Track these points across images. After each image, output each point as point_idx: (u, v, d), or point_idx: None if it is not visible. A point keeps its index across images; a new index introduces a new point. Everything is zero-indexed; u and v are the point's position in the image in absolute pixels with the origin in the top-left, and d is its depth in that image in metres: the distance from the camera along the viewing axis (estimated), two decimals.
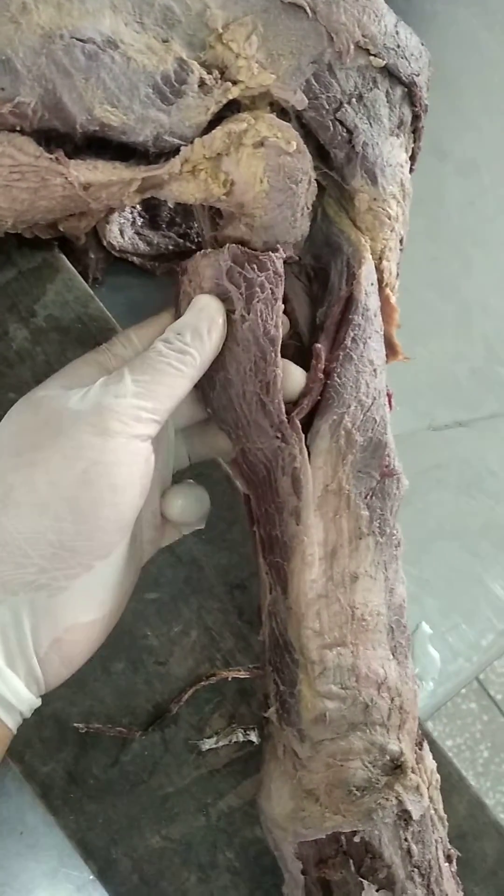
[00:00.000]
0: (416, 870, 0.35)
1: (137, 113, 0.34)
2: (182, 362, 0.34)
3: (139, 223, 0.52)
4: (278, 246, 0.37)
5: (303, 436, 0.36)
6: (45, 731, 0.42)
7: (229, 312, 0.36)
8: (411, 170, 0.43)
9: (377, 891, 0.34)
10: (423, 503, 0.52)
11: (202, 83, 0.36)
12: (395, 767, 0.35)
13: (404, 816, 0.35)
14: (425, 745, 0.39)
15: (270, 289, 0.36)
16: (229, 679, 0.43)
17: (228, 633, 0.44)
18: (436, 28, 0.63)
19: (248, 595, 0.45)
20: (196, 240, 0.53)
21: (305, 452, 0.35)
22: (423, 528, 0.52)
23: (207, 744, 0.43)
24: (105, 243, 0.50)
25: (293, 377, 0.36)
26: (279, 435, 0.36)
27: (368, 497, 0.36)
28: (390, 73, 0.39)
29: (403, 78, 0.39)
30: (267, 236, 0.37)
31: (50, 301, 0.46)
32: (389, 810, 0.34)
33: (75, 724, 0.42)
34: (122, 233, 0.51)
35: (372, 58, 0.38)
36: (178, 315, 0.37)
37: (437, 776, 0.39)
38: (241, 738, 0.43)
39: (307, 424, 0.36)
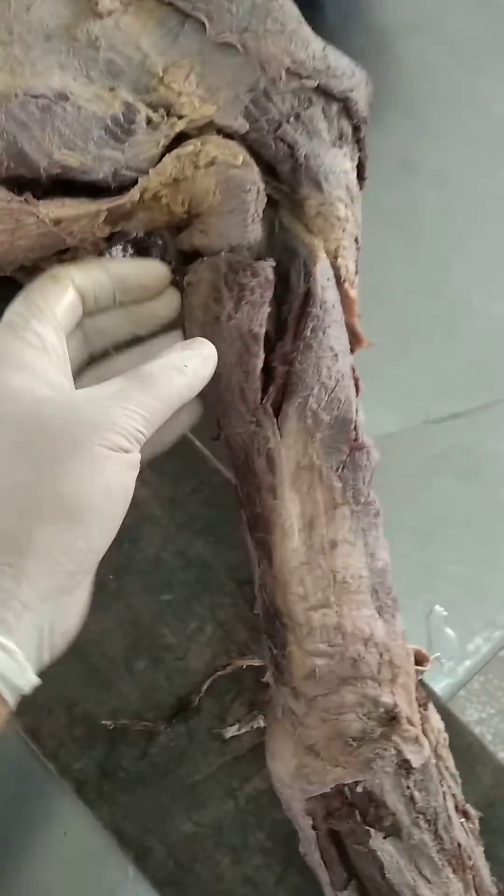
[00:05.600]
0: (420, 816, 0.36)
1: (94, 153, 0.39)
2: (183, 398, 0.36)
3: None
4: (270, 259, 0.41)
5: (274, 419, 0.39)
6: (76, 730, 0.44)
7: (219, 314, 0.40)
8: (362, 177, 0.47)
9: (385, 838, 0.35)
10: (427, 494, 0.54)
11: (149, 121, 0.40)
12: (391, 719, 0.37)
13: (404, 766, 0.36)
14: (431, 706, 0.41)
15: (260, 293, 0.40)
16: (244, 667, 0.45)
17: (241, 626, 0.47)
18: (397, 57, 0.67)
19: None
20: None
21: (278, 433, 0.38)
22: (429, 517, 0.54)
23: (230, 731, 0.45)
24: None
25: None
26: (254, 419, 0.39)
27: (340, 470, 0.39)
28: (324, 92, 0.43)
29: (337, 95, 0.43)
30: (221, 240, 0.41)
31: None
32: (389, 760, 0.36)
33: (104, 722, 0.45)
34: None
35: (304, 80, 0.42)
36: (185, 322, 0.41)
37: (445, 735, 0.41)
38: (262, 724, 0.45)
39: (278, 410, 0.39)
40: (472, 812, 0.41)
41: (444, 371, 0.58)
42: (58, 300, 0.37)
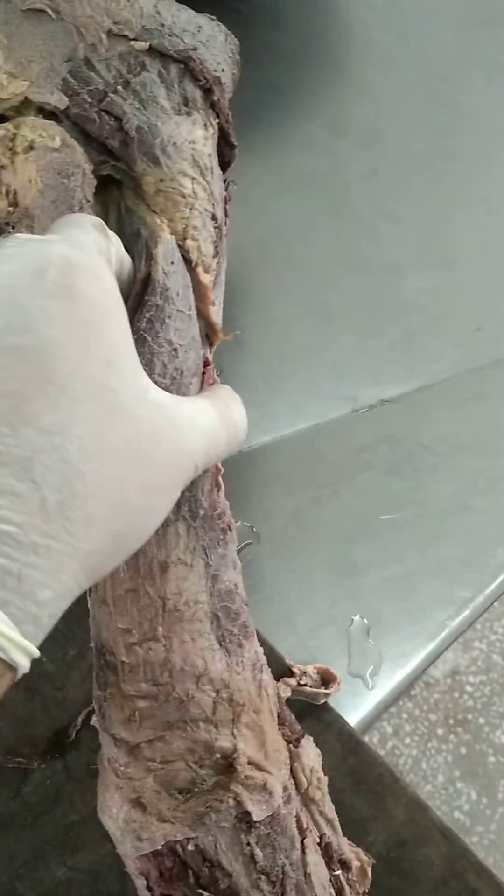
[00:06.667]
0: (263, 877, 0.31)
1: None
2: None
3: None
4: None
5: None
6: None
7: None
8: (230, 144, 0.42)
9: None
10: (351, 490, 0.49)
11: None
12: (229, 766, 0.32)
13: (245, 819, 0.32)
14: (305, 742, 0.36)
15: None
16: None
17: None
18: (320, 10, 0.61)
19: None
20: None
21: None
22: (353, 517, 0.48)
23: None
24: None
25: None
26: None
27: None
28: (160, 54, 0.38)
29: (174, 55, 0.38)
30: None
31: None
32: (226, 813, 0.31)
33: None
34: None
35: (132, 42, 0.38)
36: None
37: (321, 775, 0.36)
38: None
39: None
40: (363, 859, 0.36)
41: (372, 352, 0.52)
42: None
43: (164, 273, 0.37)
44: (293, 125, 0.57)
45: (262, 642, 0.38)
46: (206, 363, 0.38)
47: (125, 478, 0.27)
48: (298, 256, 0.54)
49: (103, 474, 0.26)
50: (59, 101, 0.37)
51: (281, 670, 0.42)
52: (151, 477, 0.28)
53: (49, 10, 0.37)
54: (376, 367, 0.52)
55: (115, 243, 0.34)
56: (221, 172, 0.42)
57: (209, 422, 0.32)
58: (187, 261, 0.38)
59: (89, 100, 0.37)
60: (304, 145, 0.57)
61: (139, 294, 0.36)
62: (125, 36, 0.38)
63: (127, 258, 0.36)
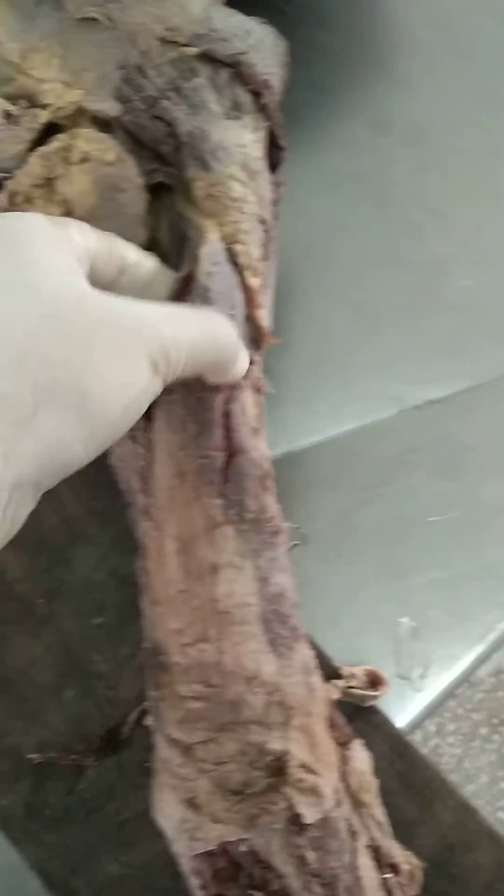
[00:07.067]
0: (314, 878, 0.31)
1: None
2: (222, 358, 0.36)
3: None
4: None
5: (147, 434, 0.35)
6: (2, 765, 0.42)
7: None
8: (279, 147, 0.42)
9: None
10: (397, 492, 0.49)
11: (8, 115, 0.37)
12: (280, 768, 0.32)
13: (296, 821, 0.32)
14: (355, 745, 0.36)
15: None
16: None
17: None
18: (365, 8, 0.61)
19: None
20: None
21: (148, 447, 0.35)
22: (399, 519, 0.48)
23: None
24: None
25: None
26: (131, 436, 0.35)
27: (220, 484, 0.34)
28: (210, 59, 0.39)
29: (225, 60, 0.39)
30: None
31: None
32: (277, 815, 0.32)
33: (30, 756, 0.42)
34: None
35: (183, 48, 0.38)
36: None
37: (370, 779, 0.36)
38: None
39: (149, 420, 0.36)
40: (413, 863, 0.36)
41: (420, 352, 0.52)
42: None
43: (207, 273, 0.37)
44: (337, 123, 0.57)
45: (311, 644, 0.38)
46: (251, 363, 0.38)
47: (36, 332, 0.27)
48: (342, 255, 0.54)
49: (5, 329, 0.27)
50: (112, 108, 0.37)
51: (328, 672, 0.42)
52: (73, 334, 0.28)
53: (102, 18, 0.37)
54: (422, 366, 0.51)
55: (108, 240, 0.34)
56: (271, 175, 0.42)
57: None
58: (235, 264, 0.38)
59: (142, 106, 0.38)
60: (347, 143, 0.57)
61: (178, 293, 0.37)
62: (176, 42, 0.38)
63: (133, 255, 0.36)
